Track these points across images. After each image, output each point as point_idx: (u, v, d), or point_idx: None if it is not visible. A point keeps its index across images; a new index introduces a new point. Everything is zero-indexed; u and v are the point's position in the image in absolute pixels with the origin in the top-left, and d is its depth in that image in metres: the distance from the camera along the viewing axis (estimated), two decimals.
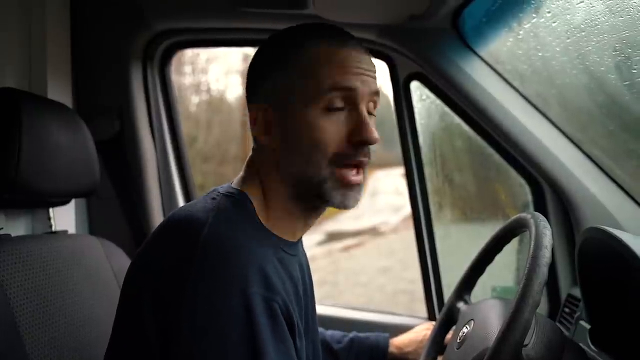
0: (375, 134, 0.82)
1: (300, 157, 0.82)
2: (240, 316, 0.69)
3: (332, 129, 0.81)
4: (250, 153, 0.91)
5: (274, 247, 0.82)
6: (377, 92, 0.85)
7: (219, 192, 0.84)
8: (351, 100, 0.82)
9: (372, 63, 0.86)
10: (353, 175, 0.83)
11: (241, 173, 0.90)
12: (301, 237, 0.94)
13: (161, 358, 0.72)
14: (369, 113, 0.84)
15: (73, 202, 1.41)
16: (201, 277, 0.71)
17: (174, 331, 0.70)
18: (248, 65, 0.90)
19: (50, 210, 1.30)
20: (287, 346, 0.73)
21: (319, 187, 0.82)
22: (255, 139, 0.88)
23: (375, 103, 0.86)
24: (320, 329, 1.22)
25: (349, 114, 0.82)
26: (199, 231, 0.74)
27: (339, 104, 0.81)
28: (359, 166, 0.84)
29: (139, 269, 0.81)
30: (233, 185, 0.87)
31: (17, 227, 1.29)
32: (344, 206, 0.84)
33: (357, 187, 0.84)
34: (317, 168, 0.81)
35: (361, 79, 0.82)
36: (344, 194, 0.83)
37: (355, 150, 0.82)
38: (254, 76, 0.88)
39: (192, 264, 0.72)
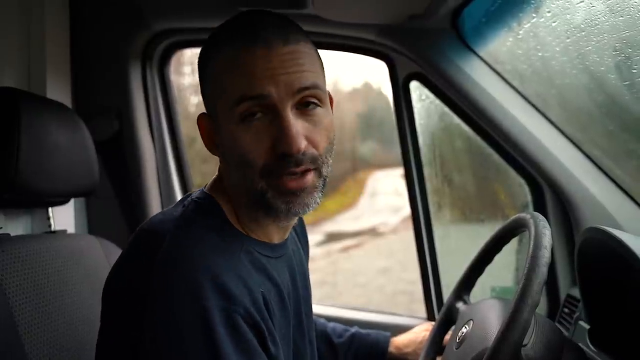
0: (299, 142, 0.73)
1: (236, 172, 0.79)
2: (198, 330, 0.67)
3: (253, 141, 0.74)
4: None
5: (247, 251, 0.79)
6: (305, 88, 0.75)
7: (190, 199, 0.82)
8: (269, 107, 0.74)
9: (297, 54, 0.75)
10: (292, 182, 0.75)
11: (214, 176, 0.88)
12: (286, 239, 0.90)
13: None
14: (305, 110, 0.76)
15: (72, 201, 1.41)
16: (159, 292, 0.70)
17: (142, 344, 0.70)
18: None
19: (50, 209, 1.29)
20: (253, 356, 0.70)
21: (261, 198, 0.77)
22: None
23: (311, 97, 0.76)
24: (322, 320, 1.22)
25: (270, 122, 0.74)
26: (160, 243, 0.74)
27: (256, 113, 0.74)
28: (297, 174, 0.76)
29: (113, 278, 0.81)
30: (205, 190, 0.85)
31: (17, 227, 1.29)
32: (292, 214, 0.78)
33: (302, 191, 0.76)
34: (252, 182, 0.76)
35: (275, 82, 0.73)
36: (288, 201, 0.76)
37: (283, 161, 0.74)
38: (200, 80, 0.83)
39: (151, 279, 0.71)
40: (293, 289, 0.90)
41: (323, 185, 0.80)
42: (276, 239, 0.87)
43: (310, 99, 0.76)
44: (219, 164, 0.88)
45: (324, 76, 0.82)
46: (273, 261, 0.84)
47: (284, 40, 0.74)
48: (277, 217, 0.80)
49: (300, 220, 1.08)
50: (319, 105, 0.77)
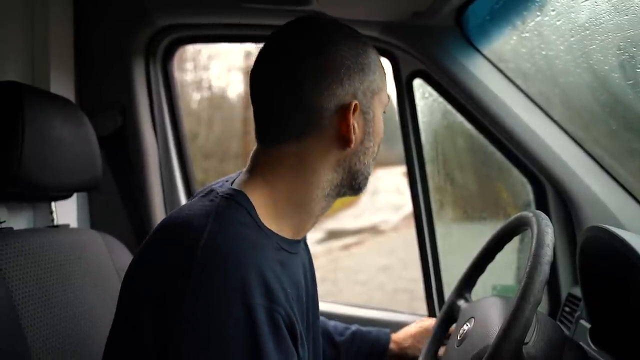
0: None
1: (372, 155, 0.89)
2: (243, 328, 0.68)
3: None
4: (253, 149, 0.89)
5: (276, 249, 0.80)
6: None
7: (217, 194, 0.81)
8: None
9: None
10: None
11: (245, 169, 0.88)
12: (305, 235, 0.93)
13: None
14: None
15: (75, 196, 1.41)
16: (201, 288, 0.69)
17: (173, 341, 0.69)
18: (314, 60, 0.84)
19: (52, 204, 1.30)
20: (291, 357, 0.72)
21: (367, 178, 0.90)
22: (315, 133, 0.83)
23: None
24: (323, 319, 1.22)
25: None
26: (197, 238, 0.73)
27: None
28: None
29: (137, 272, 0.79)
30: (233, 186, 0.84)
31: (19, 221, 1.30)
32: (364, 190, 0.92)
33: None
34: (369, 164, 0.90)
35: None
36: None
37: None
38: (328, 72, 0.83)
39: (191, 274, 0.70)
40: (305, 287, 0.91)
41: None
42: (301, 235, 0.89)
43: None
44: (252, 156, 0.88)
45: None
46: (293, 258, 0.86)
47: None
48: (358, 194, 0.92)
49: None
50: None
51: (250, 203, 0.80)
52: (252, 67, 0.88)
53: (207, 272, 0.70)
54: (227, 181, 0.89)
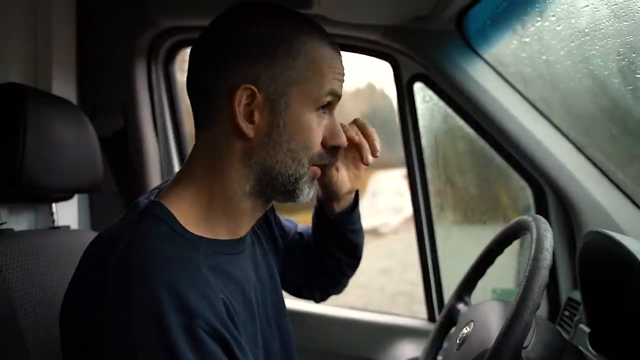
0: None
1: (287, 154, 0.80)
2: (160, 349, 0.64)
3: (318, 132, 0.82)
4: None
5: (206, 255, 0.76)
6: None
7: (138, 209, 0.78)
8: (332, 105, 0.84)
9: None
10: (317, 171, 0.85)
11: (175, 173, 0.86)
12: (247, 232, 0.89)
13: None
14: None
15: (76, 197, 1.41)
16: (114, 308, 0.67)
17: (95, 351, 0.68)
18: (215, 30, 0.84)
19: (53, 205, 1.30)
20: None
21: (295, 182, 0.82)
22: (218, 122, 0.80)
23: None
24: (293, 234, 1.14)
25: (328, 118, 0.84)
26: (110, 256, 0.70)
27: (326, 108, 0.83)
28: (324, 166, 0.86)
29: (65, 304, 0.78)
30: (153, 198, 0.80)
31: (20, 222, 1.30)
32: (307, 199, 0.85)
33: (315, 180, 0.86)
34: (300, 166, 0.81)
35: (341, 86, 0.85)
36: (311, 187, 0.85)
37: (330, 153, 0.85)
38: (244, 48, 0.78)
39: (105, 293, 0.68)
40: (258, 282, 0.89)
41: None
42: (240, 234, 0.86)
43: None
44: (190, 153, 0.85)
45: None
46: (235, 258, 0.83)
47: None
48: (293, 200, 0.84)
49: (272, 209, 1.06)
50: None
51: (170, 214, 0.76)
52: None
53: (119, 291, 0.68)
54: (159, 189, 0.86)
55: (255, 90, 0.77)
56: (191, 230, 0.77)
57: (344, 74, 0.85)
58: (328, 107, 0.83)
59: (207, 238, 0.79)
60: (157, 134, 1.70)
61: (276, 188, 0.82)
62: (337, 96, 0.83)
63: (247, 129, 0.78)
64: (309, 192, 0.85)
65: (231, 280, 0.80)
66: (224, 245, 0.81)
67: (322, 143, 0.83)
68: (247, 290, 0.84)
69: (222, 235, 0.82)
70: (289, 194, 0.83)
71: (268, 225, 1.06)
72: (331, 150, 0.85)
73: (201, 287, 0.70)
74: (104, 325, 0.67)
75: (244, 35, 0.79)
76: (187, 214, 0.78)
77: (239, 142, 0.79)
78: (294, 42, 0.79)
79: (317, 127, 0.81)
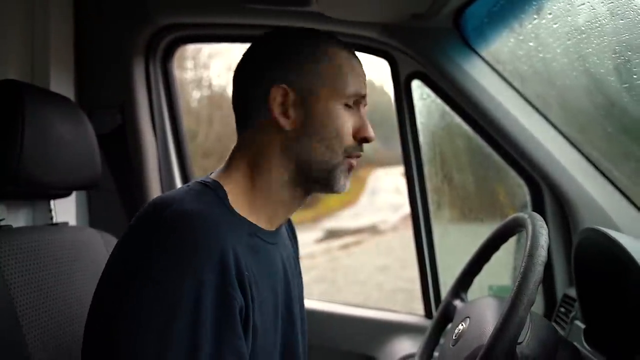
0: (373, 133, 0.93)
1: (321, 143, 0.88)
2: (189, 300, 0.70)
3: (348, 124, 0.89)
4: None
5: (248, 234, 0.84)
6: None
7: (194, 181, 0.88)
8: (359, 103, 0.92)
9: None
10: (354, 162, 0.92)
11: (220, 167, 0.92)
12: (280, 227, 0.95)
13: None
14: None
15: (74, 194, 1.41)
16: (161, 250, 0.73)
17: (124, 299, 0.72)
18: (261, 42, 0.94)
19: (52, 202, 1.30)
20: (232, 338, 0.73)
21: (332, 171, 0.89)
22: (259, 120, 0.90)
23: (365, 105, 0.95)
24: None
25: (356, 114, 0.91)
26: (165, 208, 0.77)
27: (353, 106, 0.91)
28: (359, 158, 0.94)
29: (123, 237, 0.82)
30: (210, 176, 0.90)
31: (19, 219, 1.30)
32: (343, 189, 0.91)
33: (352, 172, 0.93)
34: (335, 154, 0.88)
35: (365, 87, 0.93)
36: (347, 178, 0.92)
37: (360, 145, 0.92)
38: (274, 56, 0.91)
39: (155, 236, 0.74)
40: (284, 278, 0.93)
41: None
42: (274, 225, 0.92)
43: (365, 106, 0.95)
44: (233, 148, 0.92)
45: None
46: (269, 247, 0.89)
47: None
48: (308, 196, 0.93)
49: (289, 220, 1.11)
50: None
51: (224, 190, 0.85)
52: None
53: (171, 237, 0.73)
54: (211, 173, 0.93)
55: (287, 88, 0.87)
56: (239, 212, 0.85)
57: (364, 75, 0.94)
58: (355, 105, 0.91)
59: (251, 222, 0.86)
60: (155, 131, 1.70)
61: (313, 177, 0.90)
62: (360, 95, 0.91)
63: (284, 122, 0.87)
64: (345, 183, 0.91)
65: (263, 267, 0.85)
66: (263, 232, 0.88)
67: (353, 136, 0.90)
68: (276, 280, 0.90)
69: (262, 224, 0.89)
70: (326, 182, 0.90)
71: (292, 233, 1.11)
72: (360, 143, 0.91)
73: (243, 260, 0.76)
74: (144, 265, 0.72)
75: (276, 45, 0.92)
76: (236, 198, 0.86)
77: (278, 135, 0.88)
78: (316, 47, 0.90)
79: (346, 120, 0.89)
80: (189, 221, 0.75)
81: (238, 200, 0.86)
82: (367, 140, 0.92)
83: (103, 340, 0.74)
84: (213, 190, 0.84)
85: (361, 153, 0.93)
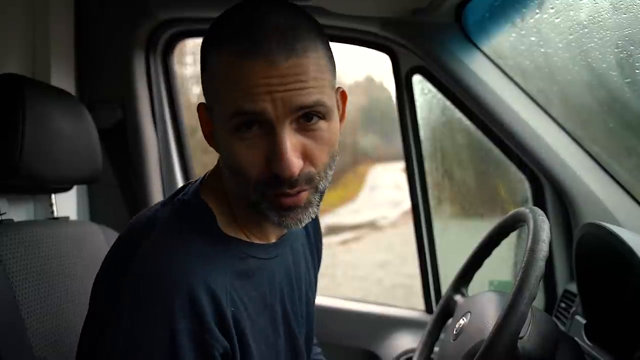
0: (293, 167, 0.66)
1: (230, 177, 0.73)
2: (165, 353, 0.64)
3: (247, 154, 0.68)
4: None
5: (239, 258, 0.76)
6: (306, 106, 0.67)
7: (179, 199, 0.78)
8: (265, 122, 0.67)
9: (302, 68, 0.67)
10: (286, 200, 0.70)
11: (213, 167, 0.83)
12: (283, 237, 0.85)
13: None
14: (307, 124, 0.69)
15: (75, 188, 1.41)
16: (129, 300, 0.67)
17: (99, 351, 0.69)
18: None
19: (52, 196, 1.30)
20: None
21: (254, 207, 0.72)
22: None
23: (313, 115, 0.69)
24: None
25: (266, 134, 0.67)
26: (140, 240, 0.71)
27: (253, 124, 0.67)
28: (291, 194, 0.70)
29: (100, 273, 0.79)
30: (192, 190, 0.80)
31: (20, 213, 1.30)
32: (285, 226, 0.73)
33: (295, 208, 0.71)
34: (245, 191, 0.71)
35: (272, 99, 0.65)
36: (282, 215, 0.72)
37: (276, 181, 0.68)
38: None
39: (124, 283, 0.69)
40: (289, 289, 0.88)
41: (319, 199, 0.74)
42: (271, 239, 0.84)
43: (313, 113, 0.69)
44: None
45: (333, 81, 0.74)
46: (268, 262, 0.81)
47: (288, 51, 0.65)
48: (274, 224, 0.75)
49: (315, 218, 0.99)
50: (322, 119, 0.70)
51: (210, 211, 0.75)
52: None
53: (138, 285, 0.68)
54: (199, 181, 0.84)
55: (204, 105, 0.75)
56: (226, 232, 0.76)
57: (266, 83, 0.65)
58: (263, 126, 0.67)
59: (241, 240, 0.78)
60: (155, 126, 1.70)
61: (248, 210, 0.75)
62: (252, 112, 0.65)
63: (211, 144, 0.77)
64: (282, 220, 0.72)
65: (257, 287, 0.79)
66: (256, 249, 0.79)
67: (267, 168, 0.68)
68: (271, 299, 0.82)
69: (255, 238, 0.80)
70: (261, 217, 0.74)
71: (313, 228, 1.04)
72: (276, 178, 0.68)
73: (217, 295, 0.69)
74: (115, 315, 0.67)
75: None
76: (222, 217, 0.77)
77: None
78: (204, 54, 0.72)
79: (240, 151, 0.68)
80: (159, 267, 0.68)
81: (224, 218, 0.77)
82: (278, 177, 0.67)
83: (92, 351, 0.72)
84: (198, 214, 0.75)
85: (285, 192, 0.69)
